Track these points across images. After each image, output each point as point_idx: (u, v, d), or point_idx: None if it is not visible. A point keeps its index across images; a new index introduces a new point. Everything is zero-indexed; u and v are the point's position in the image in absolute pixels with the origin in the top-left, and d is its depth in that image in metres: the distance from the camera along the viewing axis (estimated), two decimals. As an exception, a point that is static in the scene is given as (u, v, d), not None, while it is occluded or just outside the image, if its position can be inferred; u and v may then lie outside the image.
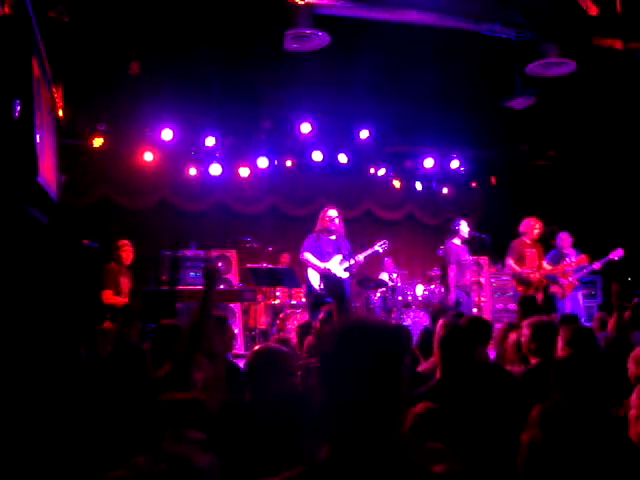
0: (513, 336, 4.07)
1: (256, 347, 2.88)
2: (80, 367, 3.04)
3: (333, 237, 7.10)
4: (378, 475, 1.32)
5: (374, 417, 1.35)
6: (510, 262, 7.81)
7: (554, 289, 8.07)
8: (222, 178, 9.54)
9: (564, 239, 8.11)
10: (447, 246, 7.75)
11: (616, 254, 8.12)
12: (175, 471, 1.66)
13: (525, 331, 3.76)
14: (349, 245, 7.16)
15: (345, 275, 6.99)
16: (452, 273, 7.58)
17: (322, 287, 6.81)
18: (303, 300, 8.24)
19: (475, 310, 8.65)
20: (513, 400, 3.02)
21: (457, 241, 7.74)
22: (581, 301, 8.36)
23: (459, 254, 7.63)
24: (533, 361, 3.68)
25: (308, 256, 7.02)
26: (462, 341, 3.16)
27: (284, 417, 2.31)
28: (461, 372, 3.06)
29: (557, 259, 8.01)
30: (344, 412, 1.36)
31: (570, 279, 8.07)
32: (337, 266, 6.98)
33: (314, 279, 6.98)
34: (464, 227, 7.74)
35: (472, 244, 7.98)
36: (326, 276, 6.75)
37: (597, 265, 8.26)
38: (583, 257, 7.99)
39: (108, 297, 6.82)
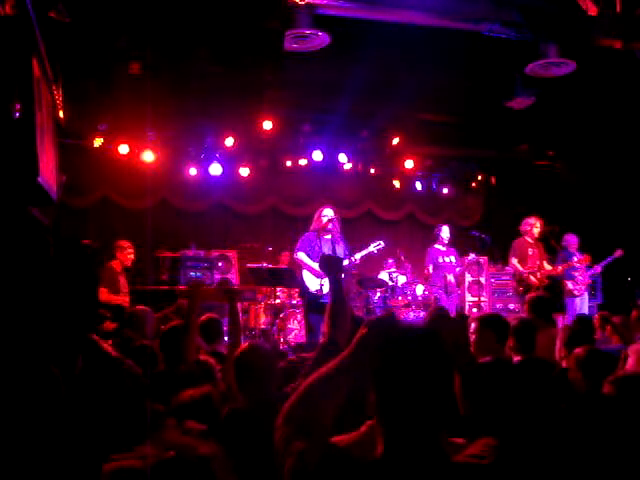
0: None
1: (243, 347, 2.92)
2: (77, 367, 3.05)
3: (329, 237, 6.99)
4: (430, 473, 1.38)
5: (426, 420, 1.42)
6: (514, 261, 7.87)
7: (569, 287, 8.20)
8: (222, 178, 9.53)
9: (571, 240, 8.29)
10: (427, 250, 8.46)
11: (617, 254, 8.34)
12: (183, 458, 1.68)
13: None
14: (346, 245, 7.06)
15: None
16: (427, 274, 8.38)
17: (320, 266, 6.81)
18: (302, 300, 8.24)
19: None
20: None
21: (439, 246, 8.34)
22: (587, 301, 8.47)
23: (436, 257, 8.25)
24: (516, 358, 3.73)
25: (301, 256, 6.90)
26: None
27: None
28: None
29: (567, 259, 8.14)
30: (398, 415, 1.42)
31: (582, 278, 8.21)
32: None
33: (308, 280, 6.90)
34: (445, 233, 8.33)
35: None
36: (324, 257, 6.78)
37: (598, 268, 8.50)
38: (586, 257, 8.08)
39: (103, 295, 6.81)
